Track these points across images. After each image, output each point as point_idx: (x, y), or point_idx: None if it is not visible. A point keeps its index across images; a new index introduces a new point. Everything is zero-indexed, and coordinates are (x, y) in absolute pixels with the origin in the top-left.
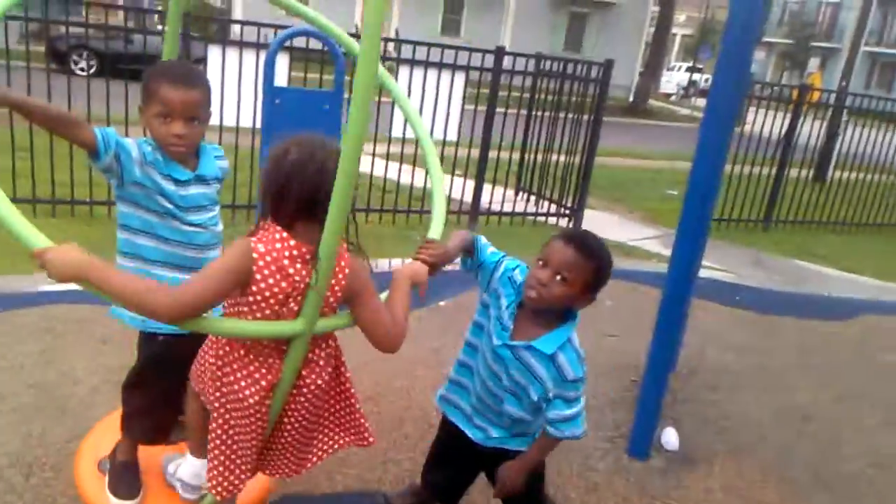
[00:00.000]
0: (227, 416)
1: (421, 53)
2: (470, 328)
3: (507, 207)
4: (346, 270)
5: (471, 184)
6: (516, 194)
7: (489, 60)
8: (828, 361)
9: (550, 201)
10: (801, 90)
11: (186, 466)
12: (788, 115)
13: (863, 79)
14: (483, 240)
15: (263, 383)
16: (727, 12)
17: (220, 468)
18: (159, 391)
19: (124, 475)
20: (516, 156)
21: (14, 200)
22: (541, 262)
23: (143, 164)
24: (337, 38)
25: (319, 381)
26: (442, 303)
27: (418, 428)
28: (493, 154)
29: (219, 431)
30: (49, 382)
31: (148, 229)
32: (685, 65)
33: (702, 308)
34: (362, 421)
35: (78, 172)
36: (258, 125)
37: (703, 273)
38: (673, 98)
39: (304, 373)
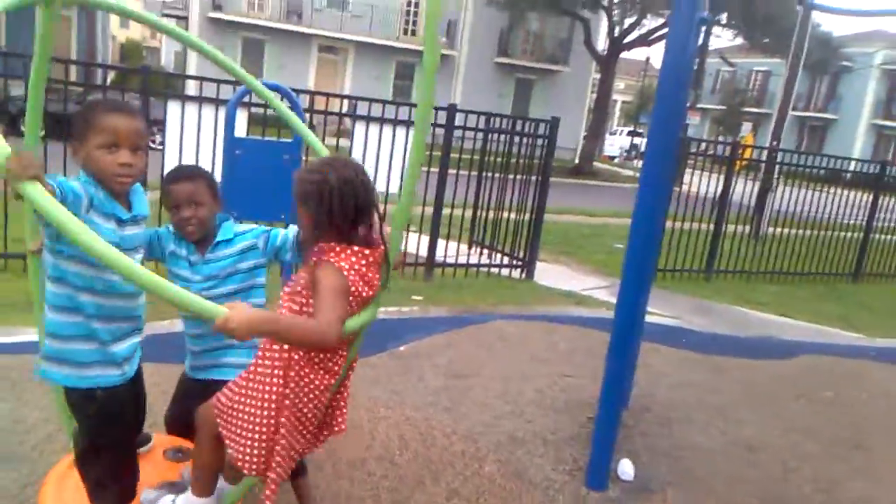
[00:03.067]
0: (299, 407)
1: (376, 112)
2: None
3: (462, 260)
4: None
5: (426, 239)
6: (469, 248)
7: (441, 119)
8: (772, 398)
9: (503, 254)
10: (733, 147)
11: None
12: (723, 175)
13: (793, 142)
14: None
15: (335, 369)
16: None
17: (283, 453)
18: (117, 451)
19: None
20: (469, 212)
21: None
22: (175, 207)
23: (89, 207)
24: (232, 71)
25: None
26: (402, 348)
27: (381, 466)
28: (446, 211)
29: (286, 422)
30: None
31: (88, 284)
32: (626, 129)
33: (652, 351)
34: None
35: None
36: (217, 178)
37: (651, 319)
38: (616, 160)
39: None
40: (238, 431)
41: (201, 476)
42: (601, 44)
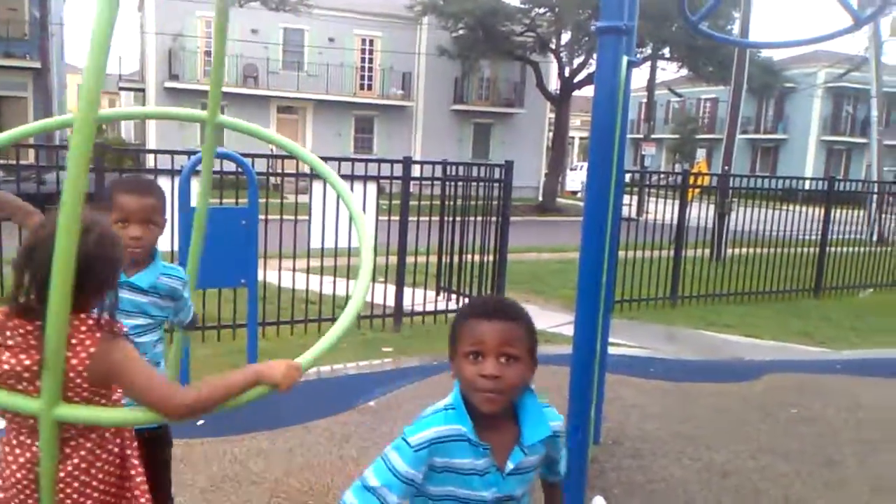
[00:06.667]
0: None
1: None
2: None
3: (430, 307)
4: (91, 350)
5: (392, 288)
6: (437, 294)
7: (399, 171)
8: (740, 420)
9: (470, 297)
10: (684, 175)
11: None
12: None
13: (747, 164)
14: None
15: (21, 460)
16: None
17: None
18: None
19: None
20: (434, 259)
21: None
22: (473, 356)
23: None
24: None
25: (84, 478)
26: (372, 402)
27: None
28: (410, 259)
29: None
30: None
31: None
32: (585, 164)
33: (621, 383)
34: None
35: None
36: (176, 248)
37: (618, 350)
38: (578, 194)
39: (61, 465)
40: None
41: None
42: (553, 84)
